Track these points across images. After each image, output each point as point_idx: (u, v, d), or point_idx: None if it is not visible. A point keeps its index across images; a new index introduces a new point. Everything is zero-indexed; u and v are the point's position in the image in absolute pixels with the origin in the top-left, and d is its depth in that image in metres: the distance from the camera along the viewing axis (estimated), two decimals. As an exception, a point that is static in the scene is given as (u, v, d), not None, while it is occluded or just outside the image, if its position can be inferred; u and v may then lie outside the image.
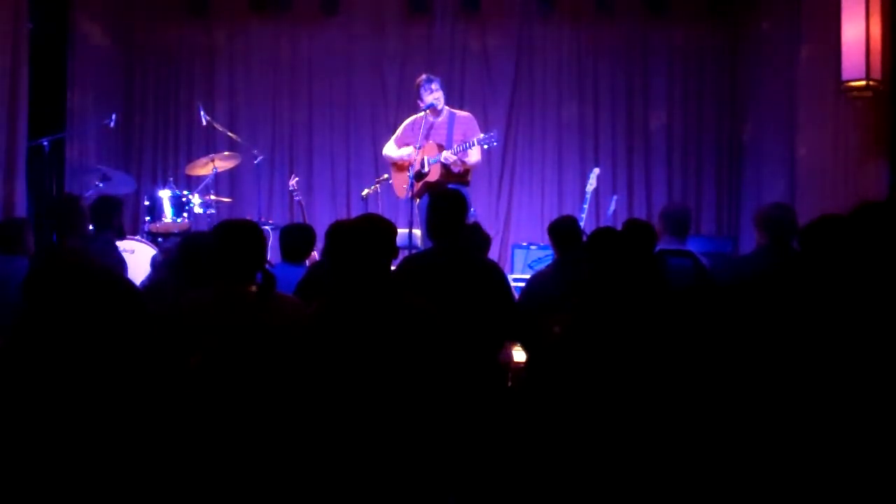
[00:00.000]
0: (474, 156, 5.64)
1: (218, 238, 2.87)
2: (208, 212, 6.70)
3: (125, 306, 1.85)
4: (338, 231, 2.69)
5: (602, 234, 2.85)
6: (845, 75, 5.51)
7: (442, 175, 5.62)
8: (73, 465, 1.69)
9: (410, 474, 2.52)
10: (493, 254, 7.00)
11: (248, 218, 6.71)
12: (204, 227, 6.65)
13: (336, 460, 2.48)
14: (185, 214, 6.51)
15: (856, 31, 5.44)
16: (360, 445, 2.48)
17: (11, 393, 1.74)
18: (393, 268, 3.77)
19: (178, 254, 3.44)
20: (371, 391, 2.51)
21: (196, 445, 2.11)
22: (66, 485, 1.69)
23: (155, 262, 4.94)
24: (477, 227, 4.39)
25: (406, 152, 5.76)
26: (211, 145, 7.85)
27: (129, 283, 2.01)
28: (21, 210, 6.00)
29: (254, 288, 2.79)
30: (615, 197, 7.28)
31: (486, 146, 5.59)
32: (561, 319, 2.72)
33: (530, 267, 6.52)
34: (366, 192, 6.44)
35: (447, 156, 5.53)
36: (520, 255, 7.07)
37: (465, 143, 5.52)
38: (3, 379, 1.76)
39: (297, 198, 6.93)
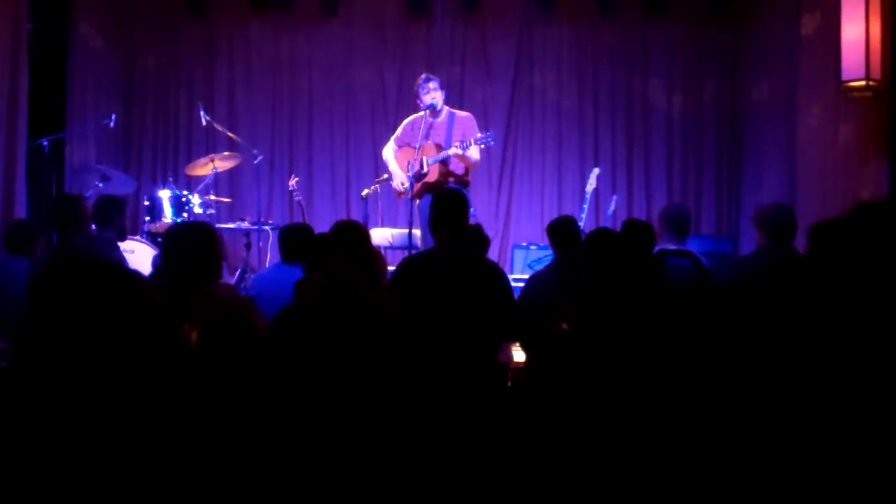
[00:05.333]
0: (474, 154, 5.64)
1: (164, 241, 2.84)
2: (208, 212, 6.70)
3: (136, 301, 1.84)
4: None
5: (599, 235, 2.85)
6: (845, 75, 5.51)
7: (441, 175, 5.62)
8: (84, 464, 1.69)
9: (410, 473, 2.52)
10: (492, 254, 7.00)
11: (247, 219, 6.78)
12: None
13: (334, 461, 2.48)
14: (185, 214, 6.50)
15: (856, 31, 5.44)
16: (357, 444, 2.48)
17: (23, 392, 1.74)
18: (393, 268, 3.80)
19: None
20: (361, 390, 2.51)
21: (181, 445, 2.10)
22: (76, 483, 1.69)
23: (156, 262, 4.95)
24: (478, 229, 4.40)
25: (399, 171, 5.79)
26: (211, 145, 7.84)
27: (140, 277, 1.99)
28: (21, 210, 6.00)
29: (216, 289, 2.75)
30: (615, 197, 7.27)
31: (482, 145, 5.58)
32: (562, 317, 2.73)
33: (530, 267, 6.52)
34: (366, 192, 6.45)
35: (456, 150, 5.50)
36: (520, 255, 7.07)
37: (464, 143, 5.52)
38: (14, 378, 1.76)
39: (297, 198, 6.94)
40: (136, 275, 1.94)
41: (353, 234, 2.85)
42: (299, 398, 2.52)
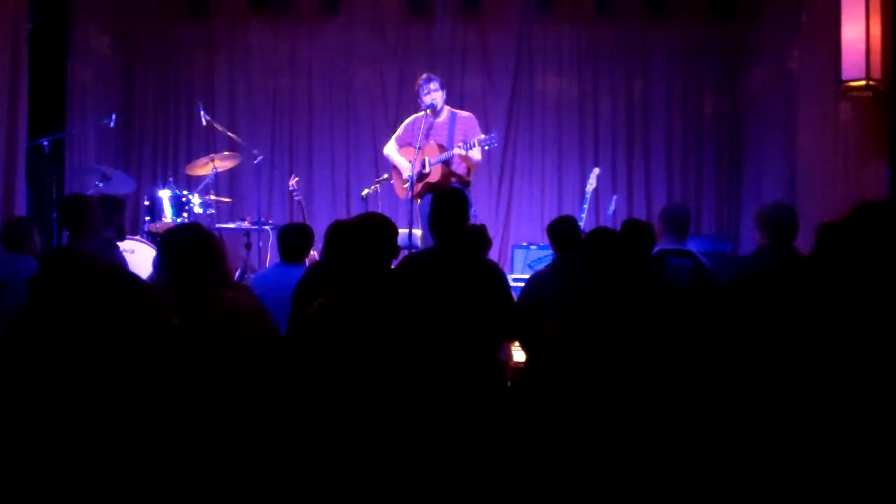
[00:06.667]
0: (476, 154, 5.65)
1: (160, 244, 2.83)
2: (208, 212, 6.71)
3: (136, 304, 1.84)
4: (337, 231, 2.68)
5: (599, 234, 2.84)
6: (845, 75, 5.51)
7: (443, 175, 5.63)
8: (84, 462, 1.69)
9: (410, 474, 2.52)
10: (493, 254, 6.99)
11: (247, 219, 6.76)
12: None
13: (336, 461, 2.48)
14: (185, 214, 6.51)
15: (856, 31, 5.44)
16: (359, 445, 2.48)
17: (22, 389, 1.73)
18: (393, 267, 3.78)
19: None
20: (370, 391, 2.50)
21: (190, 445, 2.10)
22: (75, 481, 1.69)
23: (156, 263, 4.94)
24: (482, 229, 4.39)
25: (404, 161, 5.75)
26: (211, 145, 7.85)
27: (140, 281, 1.99)
28: (21, 210, 6.00)
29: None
30: (615, 197, 7.28)
31: (486, 147, 5.59)
32: (560, 315, 2.72)
33: (530, 267, 6.52)
34: (366, 192, 6.45)
35: (459, 150, 5.50)
36: (520, 255, 7.07)
37: (466, 144, 5.52)
38: (13, 375, 1.75)
39: (297, 198, 6.94)
40: (135, 279, 1.94)
41: (387, 231, 2.74)
42: (315, 402, 2.51)
